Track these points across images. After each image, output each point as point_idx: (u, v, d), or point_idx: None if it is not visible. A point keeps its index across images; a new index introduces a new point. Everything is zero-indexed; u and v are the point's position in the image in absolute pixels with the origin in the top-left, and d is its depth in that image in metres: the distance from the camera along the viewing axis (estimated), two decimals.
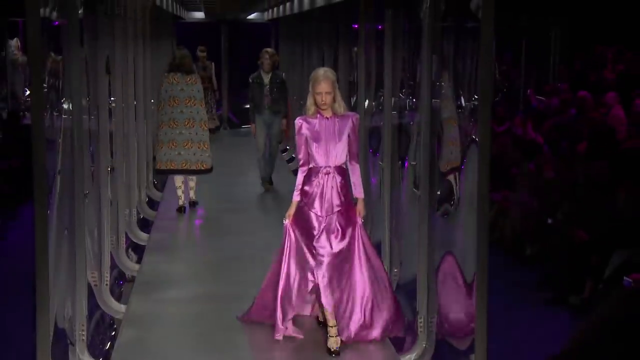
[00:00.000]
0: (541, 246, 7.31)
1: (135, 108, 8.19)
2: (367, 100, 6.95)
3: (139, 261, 6.79)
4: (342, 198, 4.78)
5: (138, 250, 7.18)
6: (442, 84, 4.63)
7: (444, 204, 4.63)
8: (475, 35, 3.94)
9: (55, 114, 4.24)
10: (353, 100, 7.48)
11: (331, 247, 4.70)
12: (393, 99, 5.91)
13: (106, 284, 5.67)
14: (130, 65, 7.83)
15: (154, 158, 8.50)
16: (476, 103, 3.98)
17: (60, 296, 4.23)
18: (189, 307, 5.73)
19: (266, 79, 9.12)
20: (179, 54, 8.27)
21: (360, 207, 4.87)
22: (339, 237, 4.72)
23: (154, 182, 9.60)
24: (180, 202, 8.37)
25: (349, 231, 4.76)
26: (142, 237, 7.52)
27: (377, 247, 6.18)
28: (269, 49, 9.27)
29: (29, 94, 13.55)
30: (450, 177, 4.52)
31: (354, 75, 7.54)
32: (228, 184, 9.76)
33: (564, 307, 6.22)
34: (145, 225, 7.96)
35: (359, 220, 4.84)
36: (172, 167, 8.08)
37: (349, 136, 4.81)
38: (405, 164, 5.63)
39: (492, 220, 8.07)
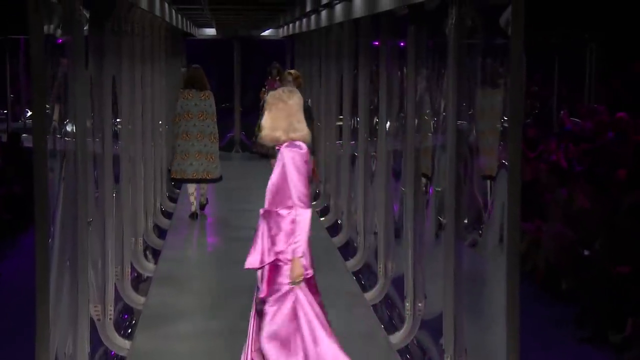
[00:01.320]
0: (577, 280, 7.24)
1: (143, 129, 8.27)
2: (388, 122, 6.97)
3: (145, 293, 6.81)
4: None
5: (142, 281, 7.20)
6: (469, 104, 4.64)
7: (472, 233, 4.61)
8: (505, 53, 3.95)
9: (58, 136, 4.29)
10: (375, 121, 7.50)
11: None
12: (416, 120, 5.92)
13: (110, 318, 5.68)
14: (138, 84, 7.92)
15: (169, 169, 9.84)
16: (505, 125, 3.98)
17: (61, 331, 4.24)
18: (198, 343, 5.72)
19: None
20: (193, 72, 9.47)
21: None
22: None
23: (161, 209, 9.65)
24: (193, 209, 9.41)
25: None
26: (148, 267, 7.54)
27: (400, 280, 6.17)
28: (292, 71, 8.93)
29: (30, 115, 13.71)
30: (479, 204, 4.51)
31: (374, 94, 7.57)
32: (238, 212, 9.79)
33: (604, 346, 6.15)
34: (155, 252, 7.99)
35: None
36: (184, 177, 9.35)
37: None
38: (430, 190, 5.62)
39: (523, 252, 8.02)
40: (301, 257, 4.23)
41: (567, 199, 8.01)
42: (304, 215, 4.20)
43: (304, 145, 4.30)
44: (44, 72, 3.75)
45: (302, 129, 4.34)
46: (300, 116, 4.38)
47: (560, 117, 12.69)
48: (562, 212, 7.89)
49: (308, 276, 4.29)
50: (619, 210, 7.17)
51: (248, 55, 16.47)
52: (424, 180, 5.80)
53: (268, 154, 10.50)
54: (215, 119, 9.31)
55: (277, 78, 13.12)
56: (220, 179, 9.46)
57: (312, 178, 8.63)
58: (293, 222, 4.22)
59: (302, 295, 4.27)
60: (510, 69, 3.81)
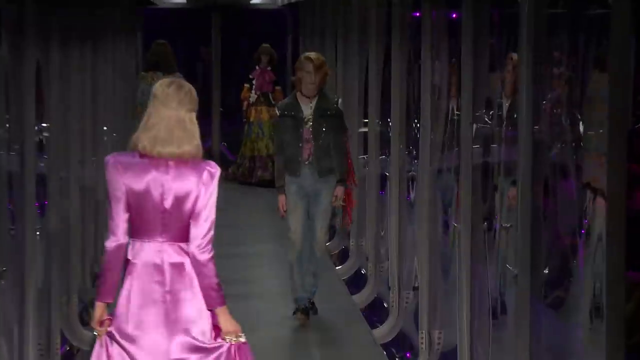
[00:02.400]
0: None
1: (81, 138, 8.30)
2: (433, 128, 6.98)
3: None
4: None
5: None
6: (550, 103, 4.65)
7: (556, 289, 4.61)
8: (603, 27, 3.97)
9: None
10: (415, 126, 7.51)
11: None
12: (475, 126, 5.93)
13: None
14: (74, 74, 7.96)
15: None
16: (601, 131, 3.99)
17: None
18: None
19: (307, 110, 7.74)
20: (157, 49, 10.09)
21: None
22: None
23: None
24: None
25: None
26: (85, 337, 7.54)
27: (452, 356, 6.16)
28: (312, 54, 7.87)
29: None
30: (565, 246, 4.51)
31: (413, 87, 7.59)
32: (224, 259, 9.77)
33: None
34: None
35: None
36: None
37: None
38: (495, 227, 5.62)
39: (630, 316, 7.98)
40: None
41: None
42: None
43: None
44: None
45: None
46: None
47: None
48: None
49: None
50: None
51: (232, 33, 16.49)
52: (485, 213, 5.81)
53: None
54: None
55: (269, 68, 13.14)
56: None
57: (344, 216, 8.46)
58: None
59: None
60: (611, 49, 3.82)
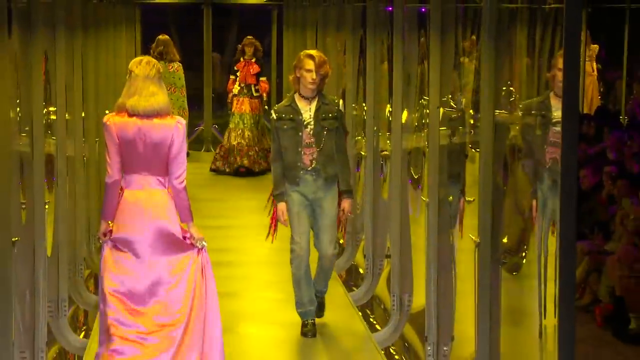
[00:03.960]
0: None
1: (84, 121, 8.27)
2: (405, 112, 6.99)
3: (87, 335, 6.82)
4: None
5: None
6: (511, 88, 4.66)
7: (513, 255, 4.63)
8: (557, 22, 3.97)
9: None
10: (387, 110, 7.52)
11: None
12: (442, 110, 5.94)
13: None
14: (77, 63, 7.93)
15: None
16: (554, 115, 4.00)
17: None
18: None
19: (306, 112, 6.56)
20: (161, 42, 11.37)
21: None
22: None
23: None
24: None
25: None
26: (91, 300, 7.55)
27: (420, 316, 6.19)
28: (313, 51, 6.64)
29: None
30: (522, 218, 4.53)
31: (387, 75, 7.59)
32: (212, 230, 9.80)
33: None
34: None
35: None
36: None
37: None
38: (460, 201, 5.64)
39: (580, 279, 8.05)
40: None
41: (639, 210, 8.03)
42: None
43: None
44: None
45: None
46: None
47: (630, 104, 12.72)
48: (632, 228, 7.90)
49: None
50: None
51: (222, 26, 16.45)
52: (452, 188, 5.83)
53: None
54: (184, 93, 11.72)
55: (253, 60, 12.59)
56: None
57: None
58: None
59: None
60: (564, 41, 3.83)
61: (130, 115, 5.34)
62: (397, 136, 7.10)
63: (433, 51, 6.00)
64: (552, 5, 4.17)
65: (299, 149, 6.47)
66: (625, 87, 13.37)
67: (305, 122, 6.48)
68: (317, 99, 6.53)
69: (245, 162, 12.65)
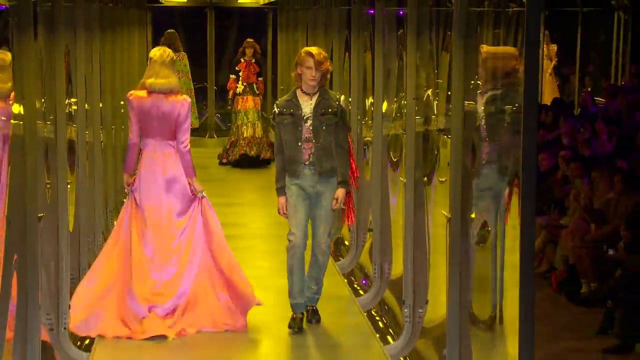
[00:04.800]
0: (600, 282, 7.29)
1: (102, 111, 8.24)
2: (385, 102, 6.98)
3: None
4: None
5: None
6: (478, 82, 4.65)
7: (480, 229, 4.63)
8: (519, 23, 3.96)
9: (2, 118, 4.27)
10: (368, 102, 7.51)
11: None
12: (417, 101, 5.94)
13: (64, 328, 5.68)
14: (95, 59, 7.89)
15: None
16: (517, 105, 4.00)
17: (7, 344, 4.23)
18: (160, 354, 5.74)
19: (307, 107, 6.02)
20: (169, 35, 12.51)
21: None
22: None
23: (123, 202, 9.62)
24: None
25: None
26: None
27: (398, 282, 6.20)
28: (313, 49, 6.05)
29: None
30: (488, 195, 4.53)
31: (369, 71, 7.57)
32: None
33: (629, 358, 6.19)
34: None
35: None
36: None
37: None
38: (433, 181, 5.64)
39: (539, 249, 8.07)
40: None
41: (589, 189, 8.05)
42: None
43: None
44: None
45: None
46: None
47: (583, 96, 12.73)
48: (584, 205, 7.93)
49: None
50: None
51: (224, 27, 16.37)
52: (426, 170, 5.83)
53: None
54: (190, 77, 12.93)
55: (253, 60, 12.31)
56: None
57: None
58: None
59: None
60: (525, 41, 3.82)
61: (149, 92, 6.09)
62: (378, 124, 7.09)
63: (410, 49, 5.98)
64: (515, 9, 4.17)
65: (299, 144, 5.96)
66: (578, 81, 13.40)
67: (305, 117, 5.96)
68: (318, 94, 5.99)
69: (253, 152, 12.42)
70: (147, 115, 6.08)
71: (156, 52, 6.18)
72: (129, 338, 5.83)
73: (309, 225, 6.12)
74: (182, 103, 6.09)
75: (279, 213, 6.10)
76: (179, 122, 6.06)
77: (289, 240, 6.03)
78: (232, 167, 12.45)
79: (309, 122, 5.97)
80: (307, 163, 5.98)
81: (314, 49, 6.01)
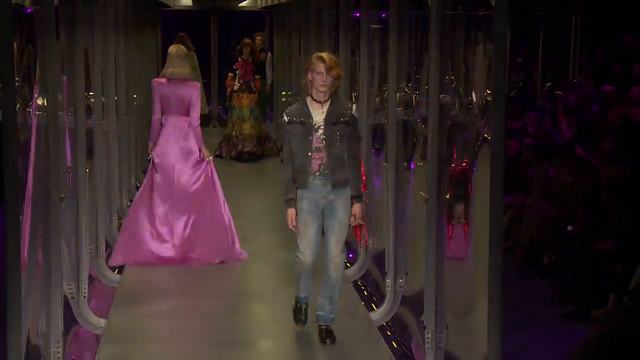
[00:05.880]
0: (560, 255, 7.30)
1: (117, 103, 8.20)
2: (370, 96, 6.96)
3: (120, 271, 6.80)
4: None
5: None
6: (452, 77, 4.64)
7: (455, 209, 4.62)
8: (488, 25, 3.95)
9: (28, 110, 4.24)
10: (354, 95, 7.48)
11: None
12: (398, 94, 5.91)
13: (84, 297, 5.66)
14: (111, 57, 7.84)
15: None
16: (489, 99, 3.98)
17: (33, 310, 4.22)
18: (174, 322, 5.73)
19: (317, 116, 5.17)
20: (180, 37, 13.20)
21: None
22: None
23: (136, 185, 9.59)
24: None
25: None
26: None
27: (381, 256, 6.20)
28: (324, 54, 5.21)
29: None
30: (462, 179, 4.52)
31: (356, 68, 7.54)
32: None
33: (585, 322, 6.21)
34: None
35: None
36: None
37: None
38: (412, 165, 5.63)
39: (506, 226, 8.08)
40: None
41: (552, 173, 8.05)
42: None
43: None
44: (11, 43, 3.69)
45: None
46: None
47: (544, 90, 12.72)
48: (545, 186, 7.93)
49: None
50: (602, 184, 7.22)
51: (226, 28, 16.30)
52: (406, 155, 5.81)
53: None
54: (199, 73, 13.83)
55: (250, 59, 11.68)
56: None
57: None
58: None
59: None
60: (494, 41, 3.80)
61: (168, 79, 7.02)
62: (364, 115, 7.06)
63: (391, 48, 5.96)
64: (484, 12, 4.14)
65: (309, 153, 5.10)
66: (540, 77, 13.41)
67: (315, 126, 5.11)
68: (329, 102, 5.15)
69: (247, 148, 11.88)
70: (166, 97, 6.99)
71: (172, 48, 7.16)
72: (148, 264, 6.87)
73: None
74: (195, 87, 7.06)
75: (288, 226, 5.20)
76: (191, 103, 6.99)
77: (297, 258, 5.22)
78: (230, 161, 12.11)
79: (320, 131, 5.11)
80: (317, 174, 5.12)
81: (324, 54, 5.17)
